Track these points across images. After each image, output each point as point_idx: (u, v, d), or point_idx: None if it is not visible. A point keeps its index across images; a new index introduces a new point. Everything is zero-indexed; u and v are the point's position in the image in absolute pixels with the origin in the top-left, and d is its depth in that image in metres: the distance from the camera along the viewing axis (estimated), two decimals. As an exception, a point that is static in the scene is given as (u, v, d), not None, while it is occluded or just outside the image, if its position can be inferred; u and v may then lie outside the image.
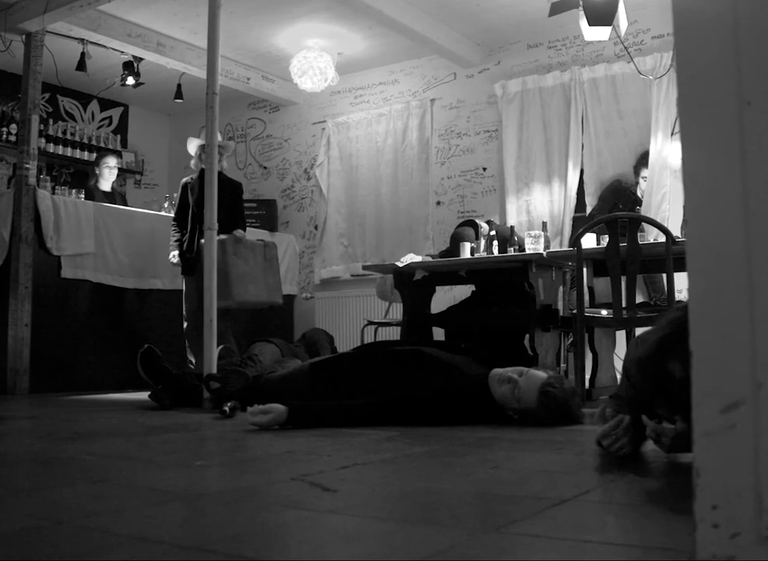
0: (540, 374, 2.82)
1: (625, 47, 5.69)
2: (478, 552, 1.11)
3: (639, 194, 5.64)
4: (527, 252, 4.66)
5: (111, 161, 6.50)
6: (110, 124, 8.29)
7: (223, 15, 4.24)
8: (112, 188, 6.54)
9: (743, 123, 0.80)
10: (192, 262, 5.28)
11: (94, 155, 7.46)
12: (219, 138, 5.47)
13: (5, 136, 7.07)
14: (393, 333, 6.15)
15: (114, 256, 5.52)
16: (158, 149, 8.69)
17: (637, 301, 4.05)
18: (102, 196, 6.23)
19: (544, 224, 5.31)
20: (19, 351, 4.99)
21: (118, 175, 6.83)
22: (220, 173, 5.29)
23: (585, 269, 4.08)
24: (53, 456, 2.23)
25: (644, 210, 5.45)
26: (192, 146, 5.44)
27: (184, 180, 5.54)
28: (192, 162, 5.46)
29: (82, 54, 6.47)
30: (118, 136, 8.30)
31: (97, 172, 6.47)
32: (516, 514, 1.34)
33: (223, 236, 5.12)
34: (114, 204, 6.08)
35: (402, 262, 4.83)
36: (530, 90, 6.32)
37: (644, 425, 1.85)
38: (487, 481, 1.71)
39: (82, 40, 6.33)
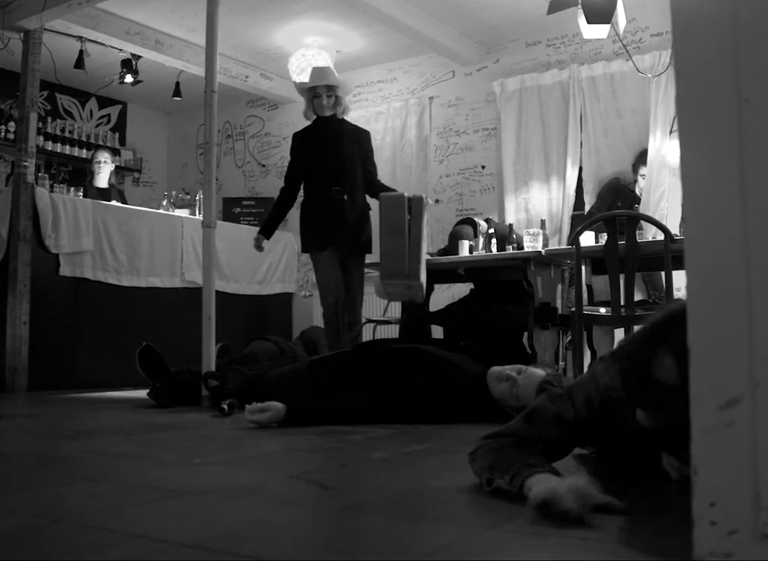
0: (539, 372, 2.82)
1: (624, 46, 5.69)
2: (476, 549, 1.11)
3: (637, 192, 5.64)
4: (526, 250, 4.66)
5: (101, 156, 6.49)
6: (108, 122, 8.28)
7: (221, 13, 4.24)
8: (110, 184, 6.52)
9: (741, 121, 0.80)
10: (325, 232, 4.47)
11: (92, 153, 7.46)
12: (335, 77, 4.55)
13: (3, 134, 7.06)
14: (392, 332, 6.15)
15: (112, 254, 5.52)
16: (156, 147, 8.68)
17: (636, 300, 4.05)
18: (96, 193, 6.21)
19: (543, 222, 5.31)
20: (17, 349, 4.98)
21: (116, 173, 6.81)
22: (342, 120, 4.61)
23: (583, 268, 4.08)
24: (51, 455, 2.23)
25: (643, 208, 5.45)
26: (300, 93, 4.68)
27: (295, 132, 4.78)
28: (303, 111, 4.67)
29: (81, 51, 6.47)
30: (117, 134, 8.29)
31: (92, 169, 6.47)
32: (513, 512, 1.34)
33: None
34: (110, 200, 6.07)
35: (400, 261, 4.82)
36: (529, 88, 6.32)
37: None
38: (485, 478, 1.71)
39: (80, 37, 6.32)
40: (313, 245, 4.52)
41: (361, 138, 4.62)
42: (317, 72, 4.60)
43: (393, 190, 4.63)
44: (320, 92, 4.47)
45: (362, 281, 4.62)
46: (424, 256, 4.40)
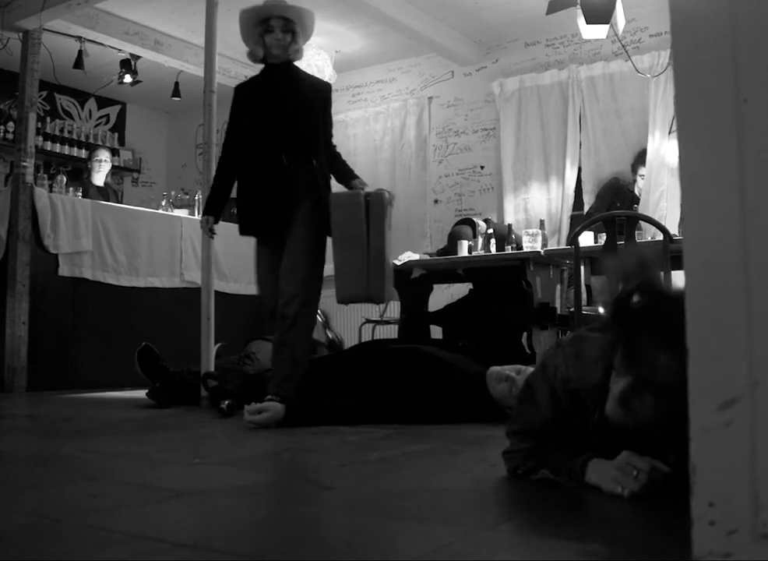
0: (538, 372, 2.82)
1: (623, 46, 5.69)
2: (476, 549, 1.11)
3: (636, 192, 5.64)
4: (525, 250, 4.66)
5: (102, 155, 6.51)
6: (107, 122, 8.28)
7: (220, 13, 4.24)
8: (105, 183, 6.54)
9: (740, 120, 0.80)
10: (268, 214, 3.42)
11: (92, 151, 7.47)
12: (294, 8, 3.47)
13: (2, 134, 7.06)
14: (391, 332, 6.14)
15: (111, 254, 5.52)
16: (156, 147, 8.68)
17: (635, 300, 4.04)
18: (95, 191, 6.24)
19: (542, 222, 5.31)
20: (16, 349, 4.98)
21: (114, 173, 6.82)
22: (297, 68, 3.59)
23: (582, 268, 4.08)
24: (51, 454, 2.23)
25: (642, 209, 5.45)
26: (243, 28, 3.46)
27: (238, 84, 3.71)
28: (249, 51, 3.54)
29: (80, 52, 6.47)
30: (116, 134, 8.29)
31: (90, 166, 6.48)
32: (513, 512, 1.34)
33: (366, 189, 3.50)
34: (107, 200, 6.08)
35: (400, 261, 4.83)
36: (528, 88, 6.32)
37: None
38: (484, 479, 1.71)
39: (79, 37, 6.32)
40: (248, 229, 3.52)
41: (322, 88, 3.64)
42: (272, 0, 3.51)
43: (350, 171, 3.69)
44: (274, 25, 3.39)
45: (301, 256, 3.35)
46: (390, 270, 3.50)
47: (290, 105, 3.43)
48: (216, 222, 3.57)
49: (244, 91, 3.56)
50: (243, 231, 3.53)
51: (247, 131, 3.45)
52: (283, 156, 3.38)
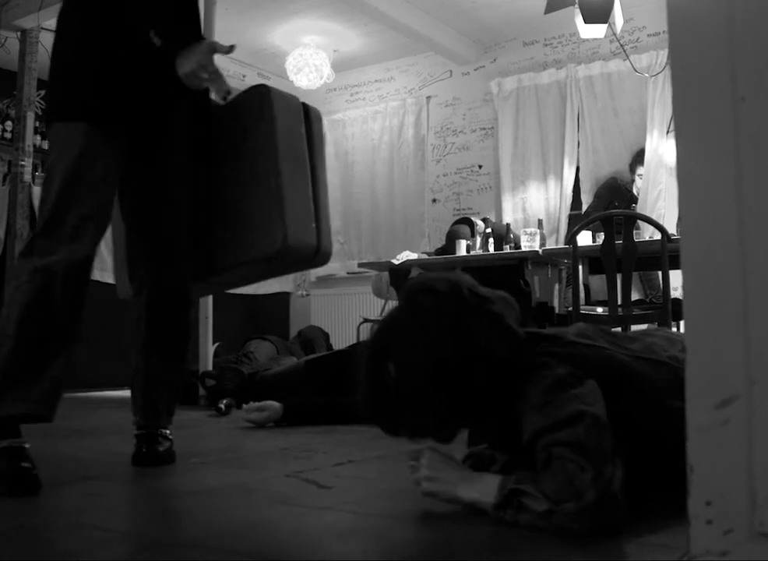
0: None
1: (621, 45, 5.69)
2: (476, 548, 1.11)
3: (634, 192, 5.65)
4: (523, 249, 4.66)
5: None
6: (105, 121, 8.26)
7: (218, 12, 4.23)
8: None
9: (737, 119, 0.80)
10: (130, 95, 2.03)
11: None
12: None
13: (0, 133, 7.05)
14: (389, 331, 6.14)
15: (109, 254, 5.52)
16: (154, 147, 8.67)
17: (633, 299, 4.05)
18: None
19: (540, 222, 5.31)
20: (14, 349, 4.98)
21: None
22: None
23: (580, 267, 4.08)
24: (48, 454, 2.22)
25: (640, 208, 5.45)
26: None
27: None
28: None
29: (78, 50, 6.46)
30: (114, 133, 8.28)
31: None
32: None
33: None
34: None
35: (398, 260, 4.83)
36: (526, 88, 6.32)
37: None
38: (482, 477, 1.71)
39: (77, 36, 6.32)
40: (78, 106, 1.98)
41: None
42: None
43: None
44: None
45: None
46: None
47: None
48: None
49: None
50: (63, 115, 2.00)
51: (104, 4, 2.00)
52: (154, 35, 2.02)
